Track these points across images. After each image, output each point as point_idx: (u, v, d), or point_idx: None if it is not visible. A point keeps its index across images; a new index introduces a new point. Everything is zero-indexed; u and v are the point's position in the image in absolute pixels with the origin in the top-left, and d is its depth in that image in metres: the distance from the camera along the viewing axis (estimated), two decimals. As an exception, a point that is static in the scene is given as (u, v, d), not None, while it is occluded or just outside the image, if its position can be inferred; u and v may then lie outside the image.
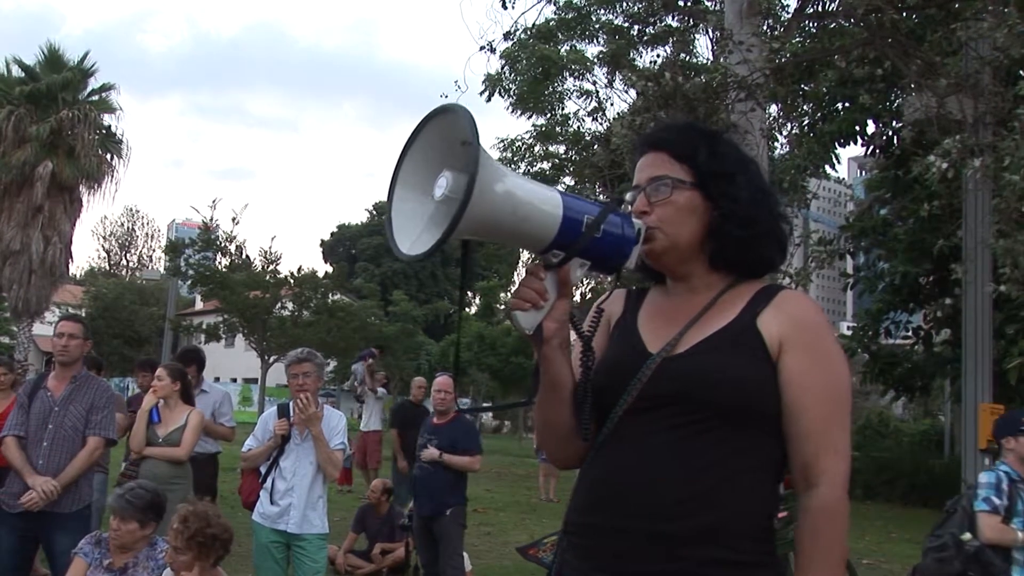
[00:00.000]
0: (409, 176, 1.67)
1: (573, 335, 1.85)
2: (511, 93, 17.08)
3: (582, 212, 1.67)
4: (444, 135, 1.62)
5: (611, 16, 16.08)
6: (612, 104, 16.92)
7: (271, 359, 24.81)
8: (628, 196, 1.87)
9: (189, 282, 25.35)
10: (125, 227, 72.19)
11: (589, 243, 1.67)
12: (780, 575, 1.76)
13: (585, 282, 16.75)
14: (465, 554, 7.47)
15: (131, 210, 72.73)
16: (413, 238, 1.63)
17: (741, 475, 1.69)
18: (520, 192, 1.62)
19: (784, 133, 12.89)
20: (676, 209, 1.79)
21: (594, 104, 16.90)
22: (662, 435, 1.71)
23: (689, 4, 14.08)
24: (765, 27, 10.07)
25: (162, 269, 38.53)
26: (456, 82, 16.53)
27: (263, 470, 5.31)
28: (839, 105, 13.25)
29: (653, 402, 1.72)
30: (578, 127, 17.59)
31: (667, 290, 1.91)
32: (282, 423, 5.26)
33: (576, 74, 16.81)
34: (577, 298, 19.08)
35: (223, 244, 24.00)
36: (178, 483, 5.77)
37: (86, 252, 77.76)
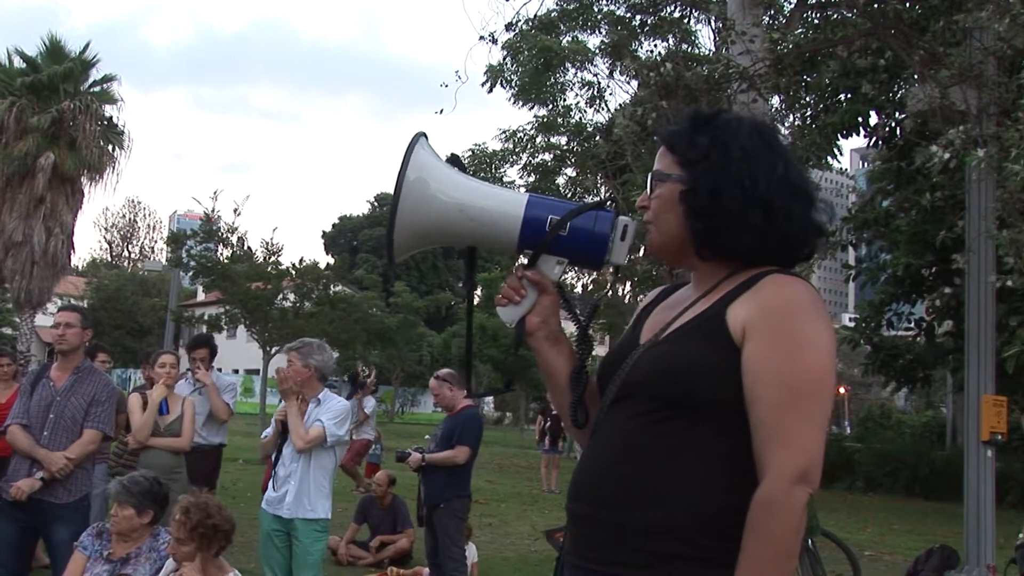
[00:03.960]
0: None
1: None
2: (513, 84, 17.05)
3: (547, 212, 1.76)
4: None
5: (613, 6, 16.05)
6: (613, 95, 16.91)
7: (273, 350, 24.80)
8: None
9: (191, 273, 25.26)
10: (127, 218, 72.33)
11: (556, 241, 1.76)
12: None
13: (587, 276, 16.74)
14: (472, 545, 7.49)
15: (133, 201, 72.86)
16: None
17: (699, 467, 1.64)
18: (470, 198, 1.77)
19: (786, 124, 12.86)
20: (662, 202, 1.78)
21: (595, 95, 16.86)
22: (627, 425, 1.71)
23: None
24: (767, 18, 10.05)
25: (164, 260, 38.54)
26: (457, 72, 16.50)
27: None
28: (841, 96, 13.21)
29: (626, 392, 1.74)
30: (580, 118, 17.57)
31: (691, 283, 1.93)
32: (281, 410, 5.32)
33: (578, 65, 16.76)
34: (579, 290, 19.12)
35: (225, 235, 23.97)
36: (180, 472, 5.86)
37: (88, 243, 77.99)
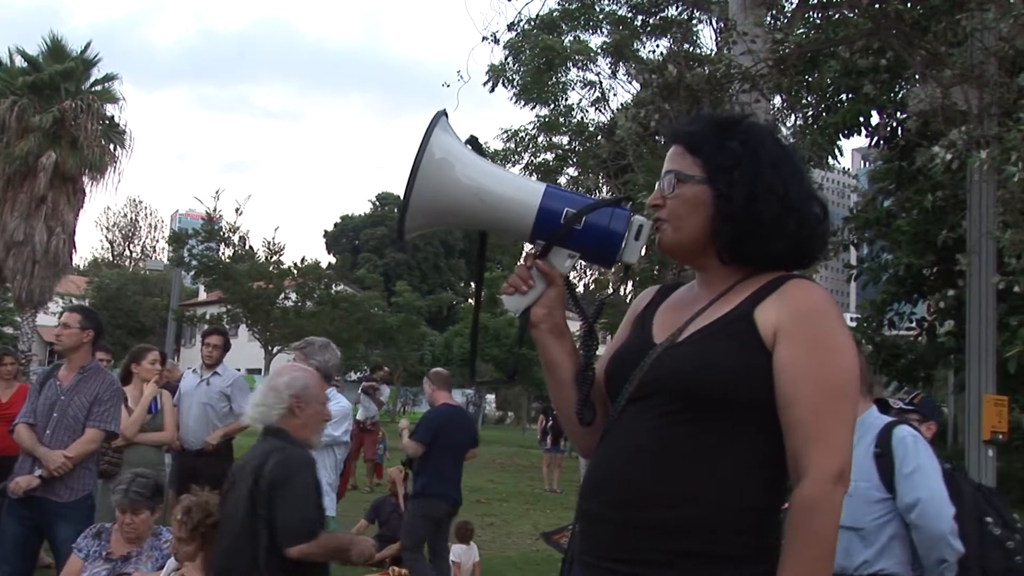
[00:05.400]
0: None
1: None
2: (514, 84, 17.03)
3: (563, 205, 1.74)
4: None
5: (614, 6, 16.04)
6: (615, 95, 16.89)
7: (274, 350, 24.83)
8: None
9: (192, 272, 25.30)
10: (128, 218, 72.29)
11: (570, 235, 1.74)
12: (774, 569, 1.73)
13: (589, 273, 16.74)
14: (474, 545, 7.51)
15: (134, 201, 72.84)
16: None
17: (724, 466, 1.67)
18: (487, 181, 1.73)
19: (788, 125, 12.85)
20: (682, 203, 1.79)
21: (597, 95, 16.85)
22: (649, 424, 1.72)
23: (693, -6, 14.03)
24: (769, 18, 10.04)
25: (165, 259, 38.56)
26: (459, 72, 16.50)
27: None
28: (843, 96, 13.20)
29: (646, 391, 1.74)
30: (581, 118, 17.55)
31: (694, 283, 1.93)
32: None
33: (580, 64, 16.75)
34: (581, 289, 19.13)
35: (226, 235, 23.99)
36: (162, 468, 5.97)
37: (89, 243, 77.92)
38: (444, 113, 1.76)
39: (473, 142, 1.68)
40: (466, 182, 1.71)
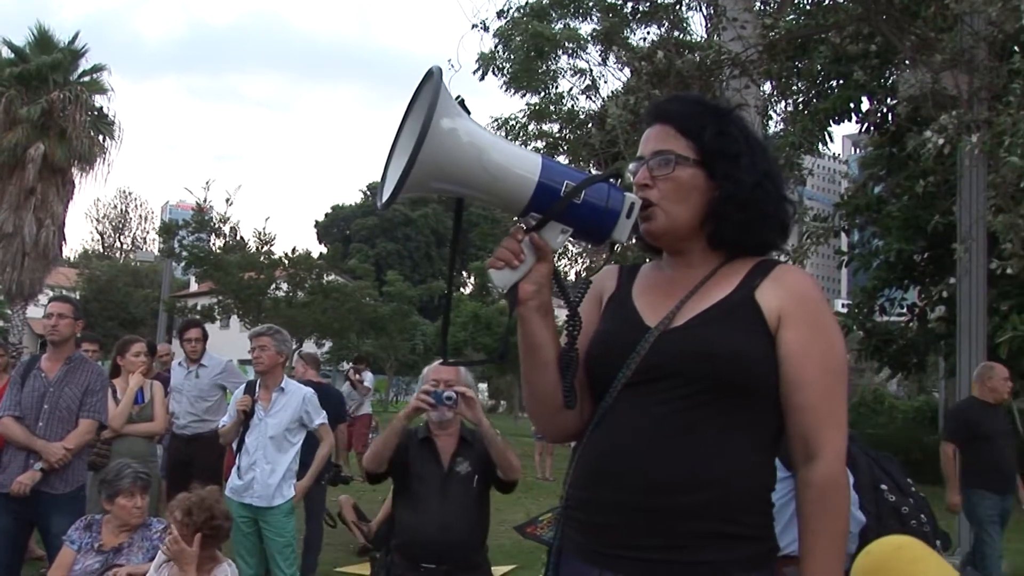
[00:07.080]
0: (407, 136, 1.66)
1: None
2: (504, 72, 16.97)
3: (563, 178, 1.67)
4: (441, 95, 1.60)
5: (604, -7, 15.98)
6: (606, 82, 16.85)
7: (266, 340, 24.81)
8: (632, 167, 1.86)
9: (183, 263, 25.21)
10: (118, 209, 72.04)
11: (568, 209, 1.66)
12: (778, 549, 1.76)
13: (581, 260, 16.74)
14: None
15: (124, 192, 72.66)
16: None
17: (739, 449, 1.68)
18: (490, 148, 1.63)
19: (778, 111, 12.84)
20: (677, 186, 1.78)
21: (588, 82, 16.81)
22: (660, 409, 1.70)
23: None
24: (759, 4, 10.02)
25: (156, 251, 38.46)
26: (449, 60, 16.41)
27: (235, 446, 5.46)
28: (833, 82, 13.20)
29: (650, 375, 1.72)
30: (572, 105, 17.50)
31: (662, 265, 1.90)
32: (244, 400, 5.38)
33: (570, 52, 16.70)
34: (572, 276, 19.10)
35: (217, 225, 23.91)
36: (153, 460, 5.96)
37: (79, 234, 77.54)
38: (440, 71, 1.62)
39: (462, 104, 1.54)
40: (471, 148, 1.60)
